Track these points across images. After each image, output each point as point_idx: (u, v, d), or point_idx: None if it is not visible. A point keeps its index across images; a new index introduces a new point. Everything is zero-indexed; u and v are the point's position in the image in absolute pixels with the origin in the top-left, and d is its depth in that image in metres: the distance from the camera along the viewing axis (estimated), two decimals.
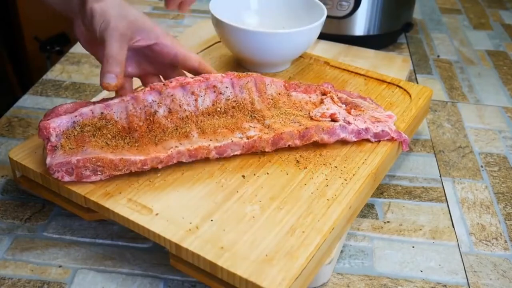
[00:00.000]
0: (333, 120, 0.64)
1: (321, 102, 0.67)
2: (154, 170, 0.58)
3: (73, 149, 0.56)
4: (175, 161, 0.58)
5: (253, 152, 0.61)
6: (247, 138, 0.60)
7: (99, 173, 0.55)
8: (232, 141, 0.60)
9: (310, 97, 0.68)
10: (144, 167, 0.57)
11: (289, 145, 0.62)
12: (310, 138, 0.62)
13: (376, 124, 0.65)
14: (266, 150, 0.61)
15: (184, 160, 0.59)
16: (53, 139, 0.56)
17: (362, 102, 0.69)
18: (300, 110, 0.66)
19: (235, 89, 0.64)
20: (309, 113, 0.65)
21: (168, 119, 0.60)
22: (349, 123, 0.64)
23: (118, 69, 0.58)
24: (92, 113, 0.58)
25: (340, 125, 0.63)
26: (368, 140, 0.64)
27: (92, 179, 0.56)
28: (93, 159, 0.54)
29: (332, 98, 0.67)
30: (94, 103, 0.60)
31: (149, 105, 0.60)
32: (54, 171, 0.55)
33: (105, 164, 0.55)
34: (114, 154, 0.56)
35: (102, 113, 0.59)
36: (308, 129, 0.62)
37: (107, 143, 0.57)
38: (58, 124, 0.57)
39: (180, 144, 0.59)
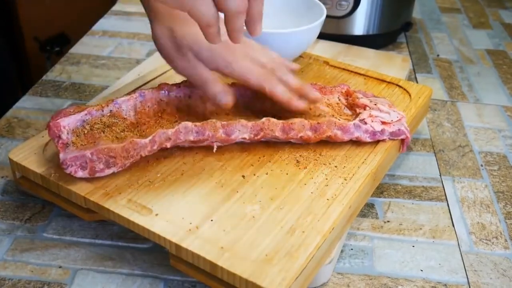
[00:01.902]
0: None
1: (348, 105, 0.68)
2: (154, 170, 0.58)
3: (84, 145, 0.56)
4: (182, 138, 0.58)
5: (263, 138, 0.60)
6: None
7: (111, 165, 0.55)
8: (240, 122, 0.59)
9: (328, 99, 0.68)
10: (154, 148, 0.57)
11: (301, 137, 0.61)
12: (323, 132, 0.61)
13: (393, 124, 0.64)
14: (277, 134, 0.60)
15: (191, 138, 0.58)
16: (64, 136, 0.57)
17: (377, 100, 0.68)
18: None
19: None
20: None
21: (177, 116, 0.61)
22: (365, 122, 0.63)
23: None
24: (102, 111, 0.59)
25: (354, 123, 0.62)
26: None
27: (106, 173, 0.55)
28: (105, 149, 0.55)
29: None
30: (101, 103, 0.61)
31: (157, 103, 0.61)
32: (68, 165, 0.55)
33: (117, 153, 0.55)
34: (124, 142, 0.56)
35: (111, 110, 0.60)
36: (320, 124, 0.61)
37: (116, 137, 0.58)
38: (68, 123, 0.58)
39: None
